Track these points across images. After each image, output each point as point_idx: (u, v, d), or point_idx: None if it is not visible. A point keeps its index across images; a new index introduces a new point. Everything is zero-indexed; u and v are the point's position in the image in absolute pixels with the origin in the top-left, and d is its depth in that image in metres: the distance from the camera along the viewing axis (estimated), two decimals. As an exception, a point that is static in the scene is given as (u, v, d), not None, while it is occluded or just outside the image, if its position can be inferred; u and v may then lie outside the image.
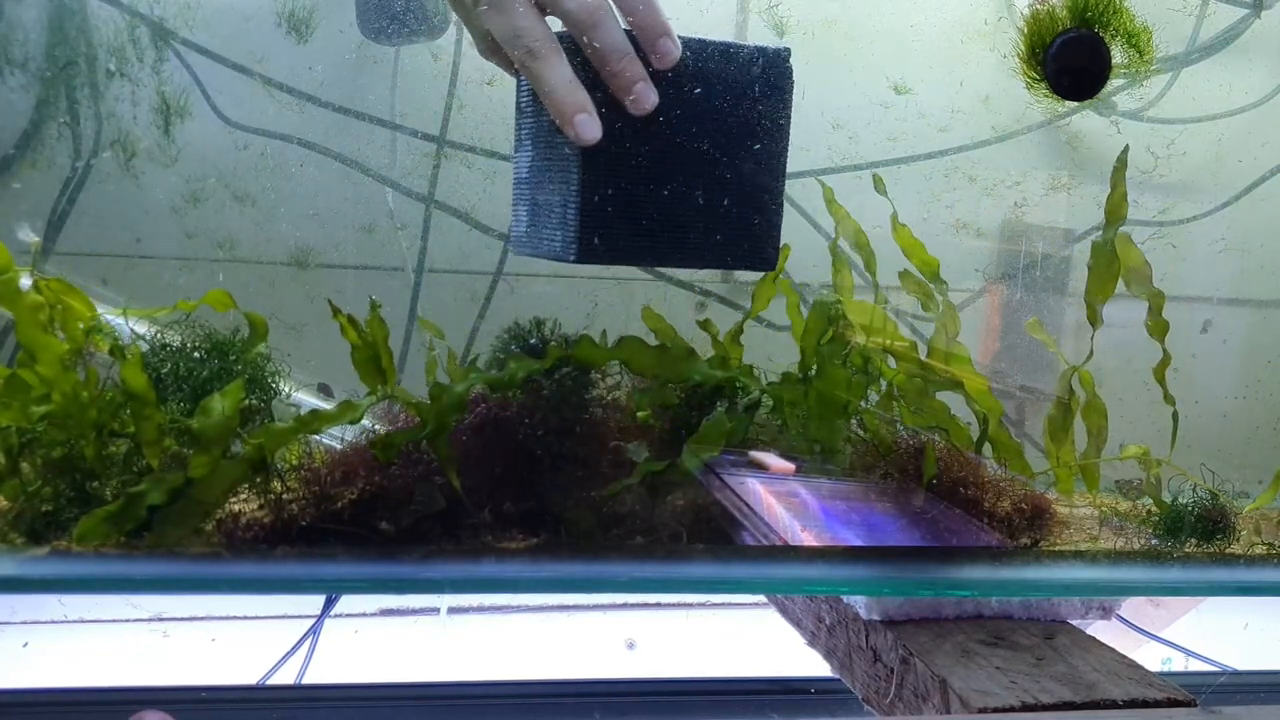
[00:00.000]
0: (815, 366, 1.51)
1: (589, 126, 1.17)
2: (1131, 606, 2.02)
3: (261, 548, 1.21)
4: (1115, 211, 1.46)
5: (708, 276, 1.97)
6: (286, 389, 1.47)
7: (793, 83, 1.31)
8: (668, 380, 1.41)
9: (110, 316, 1.37)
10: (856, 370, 1.53)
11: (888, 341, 1.56)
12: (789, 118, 1.31)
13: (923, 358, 1.57)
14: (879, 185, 1.59)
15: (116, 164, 1.78)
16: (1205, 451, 1.50)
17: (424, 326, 1.54)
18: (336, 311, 1.34)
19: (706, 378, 1.42)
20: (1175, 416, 1.48)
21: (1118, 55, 1.40)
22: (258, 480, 1.27)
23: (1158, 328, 1.48)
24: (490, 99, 1.85)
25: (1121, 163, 1.46)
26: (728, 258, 1.29)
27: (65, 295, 1.33)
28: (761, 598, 1.84)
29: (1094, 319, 1.50)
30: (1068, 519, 1.52)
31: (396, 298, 1.86)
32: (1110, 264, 1.48)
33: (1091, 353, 1.50)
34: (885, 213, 1.60)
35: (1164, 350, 1.48)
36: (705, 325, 1.60)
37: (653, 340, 1.50)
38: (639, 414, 1.40)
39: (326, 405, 1.52)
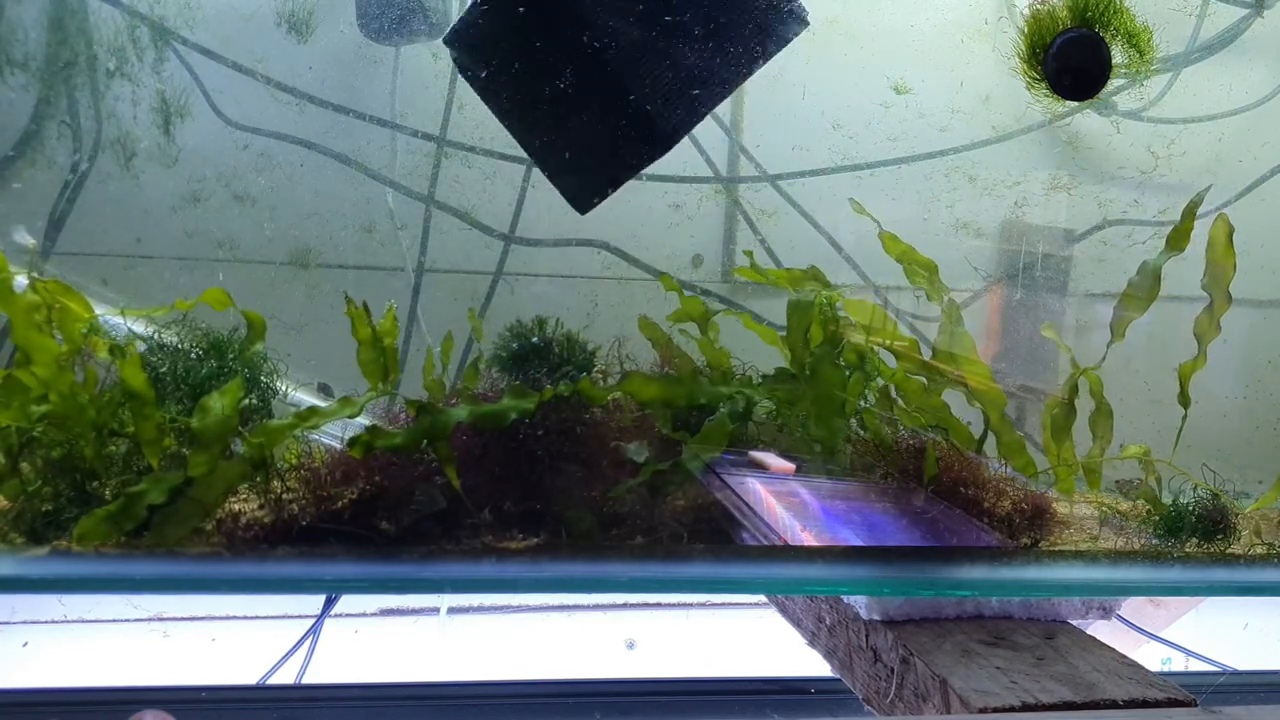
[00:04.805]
0: (807, 366, 1.51)
1: None
2: (1131, 606, 2.02)
3: (261, 548, 1.21)
4: (1177, 242, 1.48)
5: (708, 276, 1.97)
6: (285, 388, 1.47)
7: None
8: (676, 407, 1.41)
9: (109, 316, 1.37)
10: (852, 369, 1.53)
11: (887, 341, 1.56)
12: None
13: (925, 357, 1.57)
14: (857, 208, 1.61)
15: (116, 164, 1.78)
16: (1205, 451, 1.50)
17: (474, 327, 1.56)
18: (351, 304, 1.34)
19: (713, 397, 1.42)
20: (1184, 418, 1.49)
21: (1118, 55, 1.40)
22: (258, 479, 1.27)
23: (1207, 329, 1.49)
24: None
25: (1198, 199, 1.47)
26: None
27: (63, 296, 1.33)
28: (761, 598, 1.84)
29: (1119, 331, 1.51)
30: (1068, 519, 1.52)
31: (396, 298, 1.86)
32: (1154, 287, 1.49)
33: (1104, 357, 1.51)
34: (880, 215, 1.61)
35: (1202, 354, 1.49)
36: (704, 327, 1.61)
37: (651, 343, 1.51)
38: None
39: (326, 404, 1.52)
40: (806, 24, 1.38)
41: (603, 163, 1.35)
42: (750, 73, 1.35)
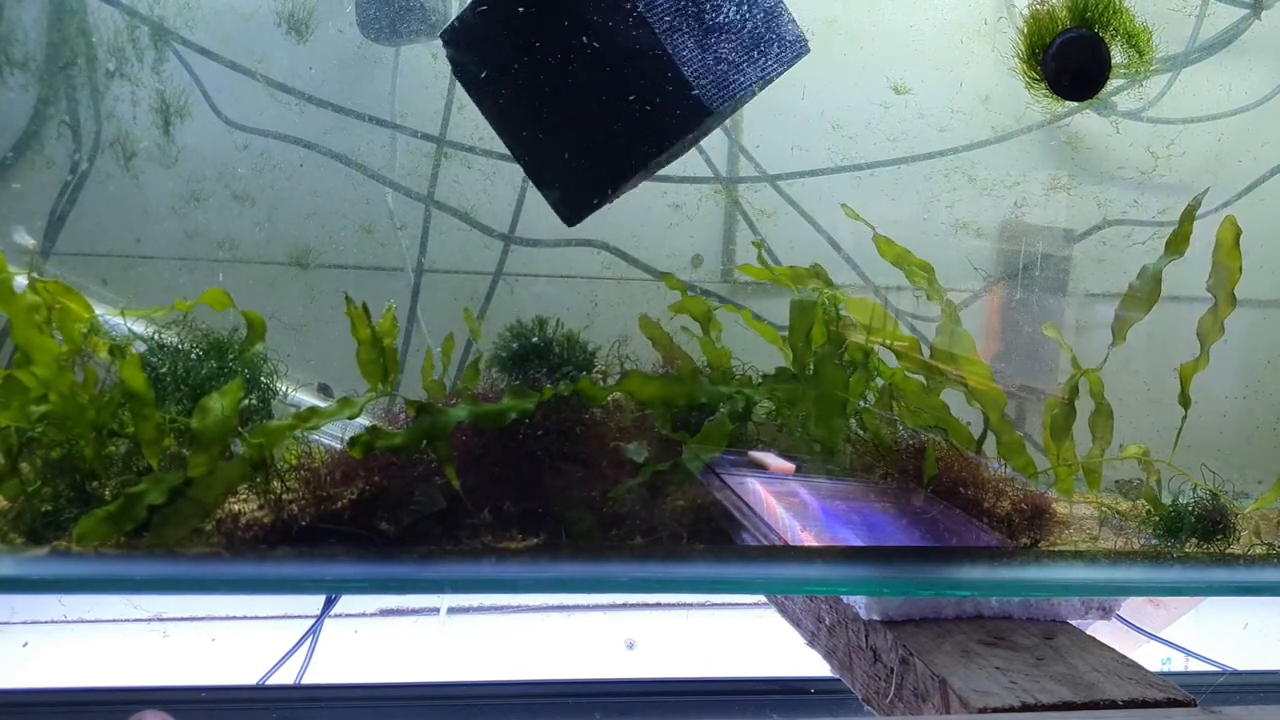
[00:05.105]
0: (810, 365, 1.51)
1: None
2: (1131, 606, 2.02)
3: (261, 548, 1.21)
4: (1177, 245, 1.49)
5: (707, 276, 1.97)
6: (285, 388, 1.47)
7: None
8: (676, 407, 1.41)
9: (109, 316, 1.37)
10: (854, 368, 1.53)
11: (888, 340, 1.56)
12: None
13: (925, 357, 1.57)
14: (850, 214, 1.61)
15: (116, 164, 1.78)
16: (1205, 451, 1.50)
17: (471, 328, 1.55)
18: (350, 304, 1.34)
19: (714, 397, 1.42)
20: (1184, 418, 1.49)
21: (1118, 55, 1.40)
22: (257, 480, 1.27)
23: (1211, 330, 1.50)
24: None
25: (1196, 203, 1.49)
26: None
27: (63, 297, 1.33)
28: (761, 597, 1.84)
29: (1121, 334, 1.51)
30: (1067, 519, 1.52)
31: (396, 298, 1.86)
32: (1155, 290, 1.50)
33: (1106, 358, 1.51)
34: (879, 215, 1.61)
35: (1205, 354, 1.50)
36: (706, 325, 1.61)
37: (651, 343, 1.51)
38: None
39: (326, 405, 1.53)
40: (807, 50, 1.37)
41: (595, 172, 1.34)
42: (749, 89, 1.34)
